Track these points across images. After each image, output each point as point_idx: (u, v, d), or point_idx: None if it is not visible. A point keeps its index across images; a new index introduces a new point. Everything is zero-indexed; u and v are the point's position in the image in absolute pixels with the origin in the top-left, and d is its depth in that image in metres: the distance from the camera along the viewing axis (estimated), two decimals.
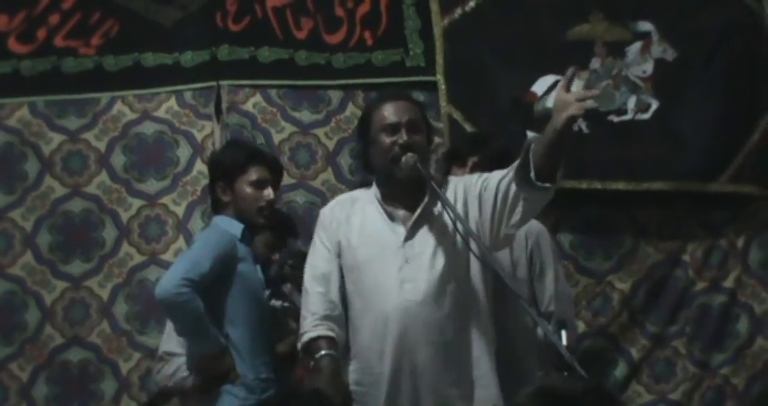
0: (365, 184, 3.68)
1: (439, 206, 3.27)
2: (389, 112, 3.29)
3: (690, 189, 4.86)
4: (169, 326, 4.02)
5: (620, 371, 4.84)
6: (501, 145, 3.84)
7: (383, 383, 3.19)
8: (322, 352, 3.20)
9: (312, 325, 3.25)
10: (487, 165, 3.67)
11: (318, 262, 3.34)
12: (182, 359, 3.82)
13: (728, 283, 4.90)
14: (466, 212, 3.25)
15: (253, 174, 3.66)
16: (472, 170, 3.71)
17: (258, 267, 3.75)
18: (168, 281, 3.42)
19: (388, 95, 3.42)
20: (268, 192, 3.66)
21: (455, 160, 3.87)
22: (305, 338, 3.26)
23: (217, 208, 3.73)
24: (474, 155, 3.77)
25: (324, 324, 3.25)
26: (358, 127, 3.44)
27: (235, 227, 3.63)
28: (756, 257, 4.92)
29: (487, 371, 3.24)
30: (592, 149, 4.80)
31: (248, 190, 3.65)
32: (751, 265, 4.92)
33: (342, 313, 3.29)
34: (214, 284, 3.49)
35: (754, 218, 4.94)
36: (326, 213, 3.41)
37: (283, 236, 4.06)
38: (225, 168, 3.68)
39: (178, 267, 3.48)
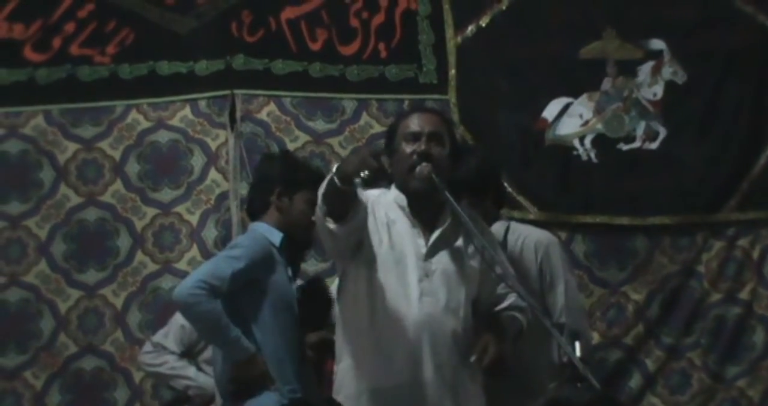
0: None
1: (457, 225, 3.24)
2: (414, 121, 3.26)
3: (694, 222, 4.89)
4: (174, 325, 4.05)
5: (635, 382, 4.83)
6: (462, 171, 3.51)
7: (387, 388, 3.13)
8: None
9: None
10: (458, 197, 3.55)
11: None
12: (173, 358, 3.99)
13: (744, 294, 4.89)
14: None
15: (312, 194, 3.67)
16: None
17: (292, 277, 3.70)
18: (185, 284, 3.41)
19: (418, 107, 3.40)
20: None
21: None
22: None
23: (257, 212, 3.70)
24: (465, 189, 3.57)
25: None
26: (385, 137, 3.41)
27: (275, 235, 3.61)
28: None
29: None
30: (599, 180, 4.86)
31: (305, 207, 3.64)
32: (767, 276, 4.90)
33: None
34: (245, 289, 3.48)
35: None
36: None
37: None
38: (295, 178, 3.66)
39: (199, 271, 3.48)
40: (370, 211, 3.20)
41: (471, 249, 3.23)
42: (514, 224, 3.80)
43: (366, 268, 3.20)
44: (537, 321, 3.23)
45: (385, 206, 3.27)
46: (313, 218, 3.23)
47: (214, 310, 3.38)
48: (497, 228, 3.66)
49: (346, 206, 3.06)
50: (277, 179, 3.66)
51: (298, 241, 3.68)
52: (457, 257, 3.23)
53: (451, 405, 3.15)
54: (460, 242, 3.25)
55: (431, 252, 3.21)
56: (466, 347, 3.16)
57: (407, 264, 3.18)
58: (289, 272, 3.65)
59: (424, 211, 3.25)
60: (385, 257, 3.19)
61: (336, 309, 3.37)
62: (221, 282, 3.40)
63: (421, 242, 3.22)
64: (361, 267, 3.20)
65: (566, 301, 3.66)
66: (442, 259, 3.21)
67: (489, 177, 3.73)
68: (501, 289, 3.26)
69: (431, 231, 3.23)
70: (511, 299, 3.25)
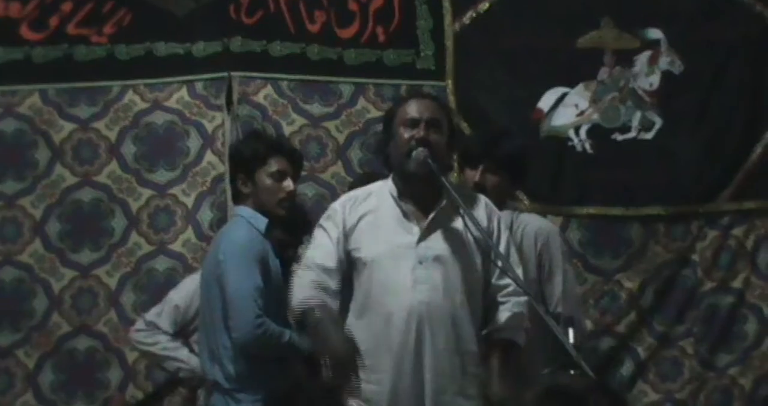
0: (370, 177, 3.68)
1: (453, 209, 3.25)
2: (412, 108, 3.28)
3: (687, 212, 4.89)
4: (168, 304, 4.03)
5: (627, 369, 4.83)
6: (512, 147, 3.75)
7: (385, 383, 3.15)
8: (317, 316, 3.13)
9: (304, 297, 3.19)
10: (496, 171, 3.64)
11: (318, 254, 3.26)
12: (165, 338, 3.95)
13: (737, 283, 4.90)
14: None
15: (273, 165, 3.67)
16: (482, 176, 3.65)
17: (278, 260, 3.72)
18: (245, 327, 3.46)
19: (417, 93, 3.42)
20: (288, 183, 3.67)
21: (467, 162, 3.76)
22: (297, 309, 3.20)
23: (239, 199, 3.74)
24: (484, 158, 3.68)
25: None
26: (383, 122, 3.43)
27: (260, 221, 3.63)
28: (765, 258, 4.92)
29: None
30: (594, 170, 4.88)
31: (268, 181, 3.65)
32: (760, 266, 4.92)
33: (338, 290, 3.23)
34: None
35: (764, 218, 4.93)
36: (338, 209, 3.31)
37: (296, 232, 3.94)
38: (245, 159, 3.68)
39: (241, 307, 3.48)
40: (350, 224, 3.25)
41: (469, 233, 3.24)
42: (518, 213, 3.81)
43: (359, 267, 3.24)
44: (531, 308, 3.24)
45: (374, 200, 3.29)
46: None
47: (275, 333, 3.49)
48: (505, 217, 3.66)
49: None
50: (238, 167, 3.72)
51: (277, 217, 3.68)
52: (454, 240, 3.23)
53: (452, 390, 3.17)
54: (458, 225, 3.25)
55: (424, 236, 3.22)
56: (464, 331, 3.18)
57: (399, 254, 3.20)
58: (276, 262, 3.67)
59: (419, 196, 3.26)
60: (377, 252, 3.21)
61: None
62: (260, 301, 3.48)
63: (415, 228, 3.23)
64: (353, 267, 3.26)
65: (563, 291, 3.67)
66: (437, 243, 3.22)
67: (525, 161, 3.76)
68: (495, 280, 3.27)
69: (426, 216, 3.24)
70: (509, 294, 3.26)
